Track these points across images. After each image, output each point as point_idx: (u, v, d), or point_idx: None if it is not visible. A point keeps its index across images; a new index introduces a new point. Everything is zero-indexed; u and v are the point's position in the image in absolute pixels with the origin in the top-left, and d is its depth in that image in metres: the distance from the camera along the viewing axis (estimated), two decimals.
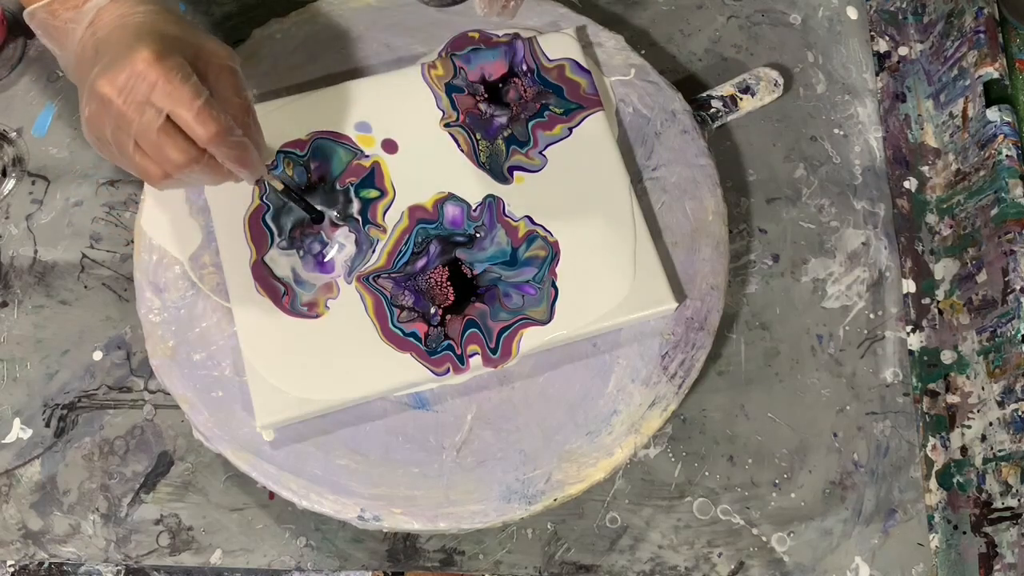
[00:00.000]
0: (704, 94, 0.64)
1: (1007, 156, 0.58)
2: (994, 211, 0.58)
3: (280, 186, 0.53)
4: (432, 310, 0.54)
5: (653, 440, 0.59)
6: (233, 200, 0.56)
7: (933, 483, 0.59)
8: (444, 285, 0.55)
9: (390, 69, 0.61)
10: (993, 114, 0.60)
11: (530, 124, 0.59)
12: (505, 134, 0.59)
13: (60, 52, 0.50)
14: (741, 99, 0.64)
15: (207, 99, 0.44)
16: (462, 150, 0.58)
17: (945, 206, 0.64)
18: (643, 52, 0.64)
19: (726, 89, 0.65)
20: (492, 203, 0.57)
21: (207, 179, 0.48)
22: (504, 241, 0.56)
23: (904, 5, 0.70)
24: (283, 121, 0.58)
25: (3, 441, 0.58)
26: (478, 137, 0.59)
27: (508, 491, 0.53)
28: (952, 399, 0.60)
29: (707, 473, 0.58)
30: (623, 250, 0.56)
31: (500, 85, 0.60)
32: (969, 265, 0.60)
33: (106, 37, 0.46)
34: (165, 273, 0.57)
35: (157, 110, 0.43)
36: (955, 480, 0.58)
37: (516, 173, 0.58)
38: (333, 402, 0.53)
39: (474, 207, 0.57)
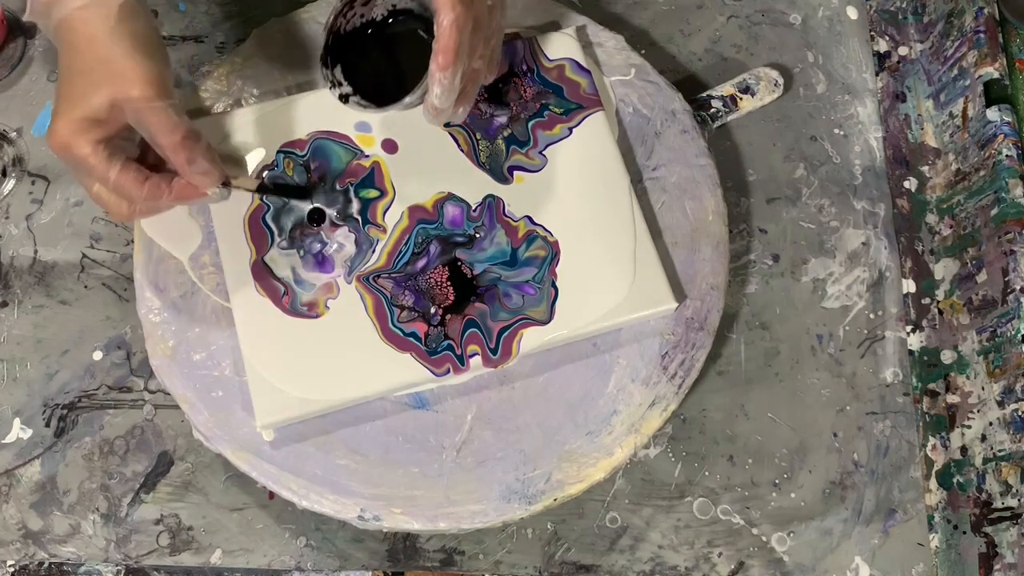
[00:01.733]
0: (704, 94, 0.64)
1: (1007, 156, 0.58)
2: (994, 211, 0.58)
3: (253, 186, 0.54)
4: (432, 310, 0.54)
5: (653, 440, 0.59)
6: (233, 200, 0.56)
7: (933, 483, 0.59)
8: (444, 285, 0.55)
9: None
10: (993, 114, 0.60)
11: (530, 124, 0.59)
12: (505, 134, 0.59)
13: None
14: (741, 99, 0.64)
15: (120, 169, 0.47)
16: (462, 150, 0.58)
17: (945, 206, 0.64)
18: (643, 52, 0.64)
19: (726, 89, 0.65)
20: (492, 203, 0.57)
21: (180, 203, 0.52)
22: (504, 241, 0.56)
23: (904, 5, 0.70)
24: (283, 121, 0.58)
25: (3, 441, 0.58)
26: (478, 137, 0.59)
27: (508, 491, 0.53)
28: (952, 399, 0.60)
29: (707, 473, 0.58)
30: (623, 250, 0.56)
31: (500, 85, 0.60)
32: (969, 265, 0.60)
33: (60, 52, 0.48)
34: (165, 273, 0.57)
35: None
36: (955, 480, 0.58)
37: (516, 173, 0.58)
38: (333, 402, 0.53)
39: (474, 207, 0.57)
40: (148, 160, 0.51)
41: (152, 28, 0.49)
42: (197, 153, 0.48)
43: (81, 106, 0.46)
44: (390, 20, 0.54)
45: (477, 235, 0.56)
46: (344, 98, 0.52)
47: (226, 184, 0.52)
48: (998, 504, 0.54)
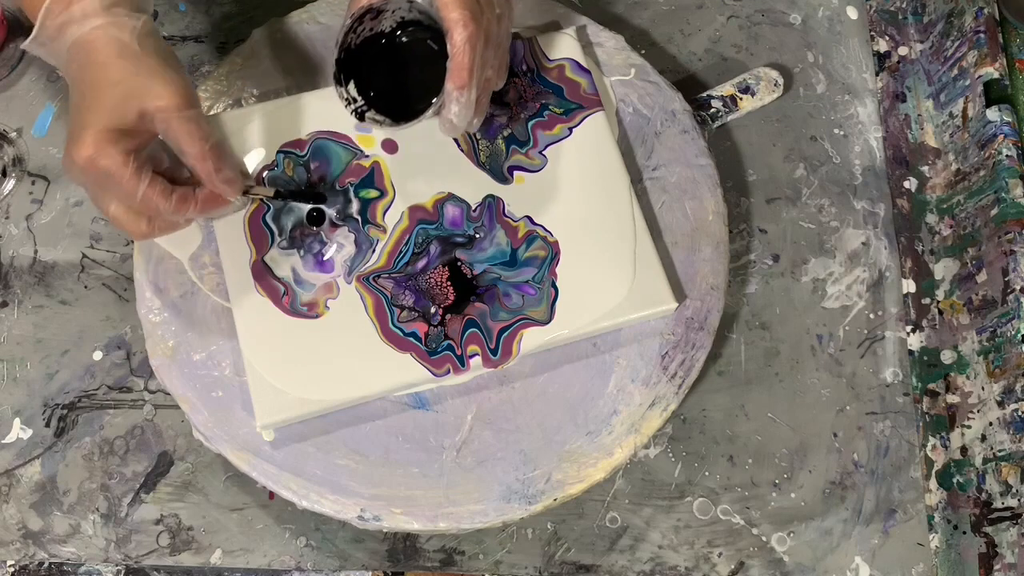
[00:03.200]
0: (704, 94, 0.64)
1: (1007, 156, 0.58)
2: (994, 211, 0.58)
3: (271, 193, 0.54)
4: (432, 310, 0.54)
5: (653, 440, 0.59)
6: None
7: (933, 483, 0.59)
8: (444, 285, 0.55)
9: None
10: (993, 114, 0.60)
11: (530, 124, 0.59)
12: (505, 134, 0.59)
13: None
14: (741, 99, 0.64)
15: (149, 181, 0.47)
16: (462, 150, 0.58)
17: (945, 206, 0.64)
18: (643, 52, 0.64)
19: (726, 89, 0.65)
20: (492, 203, 0.57)
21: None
22: (504, 241, 0.56)
23: (904, 5, 0.70)
24: (283, 121, 0.58)
25: (3, 441, 0.58)
26: (478, 137, 0.59)
27: (508, 491, 0.53)
28: (952, 399, 0.60)
29: (707, 473, 0.58)
30: (623, 250, 0.56)
31: None
32: (969, 265, 0.60)
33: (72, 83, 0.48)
34: (165, 273, 0.57)
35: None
36: (955, 480, 0.58)
37: (516, 173, 0.58)
38: (333, 402, 0.53)
39: (474, 207, 0.57)
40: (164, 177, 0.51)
41: (167, 44, 0.49)
42: (223, 161, 0.49)
43: (110, 117, 0.46)
44: (398, 32, 0.54)
45: (477, 235, 0.56)
46: (360, 115, 0.52)
47: (245, 192, 0.52)
48: (998, 504, 0.54)
